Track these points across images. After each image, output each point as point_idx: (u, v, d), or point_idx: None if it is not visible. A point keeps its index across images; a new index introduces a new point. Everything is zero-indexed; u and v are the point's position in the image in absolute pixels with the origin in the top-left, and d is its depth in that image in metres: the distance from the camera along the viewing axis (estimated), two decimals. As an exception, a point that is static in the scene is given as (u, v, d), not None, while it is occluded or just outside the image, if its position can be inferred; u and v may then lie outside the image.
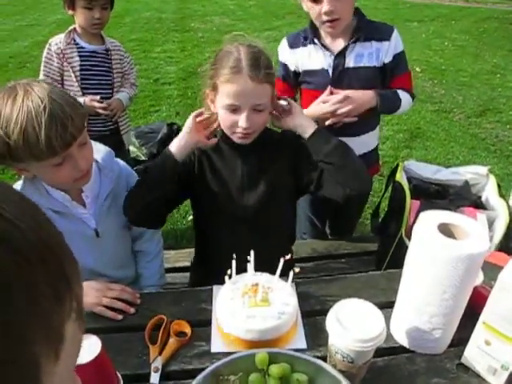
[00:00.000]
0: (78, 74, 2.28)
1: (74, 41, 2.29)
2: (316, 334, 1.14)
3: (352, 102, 1.62)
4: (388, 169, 3.18)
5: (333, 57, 1.71)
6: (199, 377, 0.89)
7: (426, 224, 1.06)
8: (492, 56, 7.29)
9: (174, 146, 1.32)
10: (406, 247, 1.66)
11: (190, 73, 5.94)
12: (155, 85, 5.57)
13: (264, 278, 1.20)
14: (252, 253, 1.18)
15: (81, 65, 2.28)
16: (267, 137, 1.42)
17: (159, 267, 1.58)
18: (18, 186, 1.24)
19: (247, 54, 1.25)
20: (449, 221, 1.06)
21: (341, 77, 1.71)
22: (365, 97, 1.67)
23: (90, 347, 0.86)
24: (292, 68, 1.80)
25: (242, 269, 1.19)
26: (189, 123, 1.34)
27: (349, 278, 1.37)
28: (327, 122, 1.67)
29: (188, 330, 1.12)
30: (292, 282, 1.19)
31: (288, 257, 1.17)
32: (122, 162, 1.46)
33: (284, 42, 1.81)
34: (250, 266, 1.19)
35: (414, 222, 1.64)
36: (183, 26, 8.59)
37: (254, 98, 1.26)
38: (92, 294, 1.19)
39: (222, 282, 1.18)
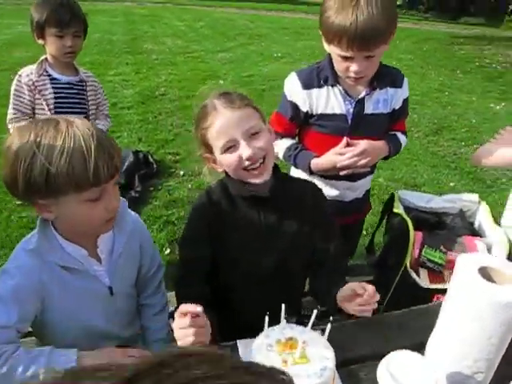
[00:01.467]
0: (51, 106, 2.14)
1: (47, 72, 2.15)
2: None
3: (369, 154, 1.59)
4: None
5: (354, 103, 1.62)
6: None
7: (467, 268, 1.05)
8: (437, 75, 7.71)
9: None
10: (412, 279, 1.69)
11: (147, 96, 5.81)
12: (114, 109, 5.38)
13: (296, 330, 1.14)
14: (283, 306, 1.12)
15: (55, 97, 2.14)
16: (284, 186, 1.36)
17: (167, 320, 1.48)
18: (33, 238, 1.13)
19: (218, 95, 1.27)
20: (488, 264, 1.05)
21: (358, 123, 1.63)
22: (378, 149, 1.66)
23: None
24: (304, 109, 1.65)
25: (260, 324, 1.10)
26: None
27: (370, 320, 1.33)
28: (342, 173, 1.62)
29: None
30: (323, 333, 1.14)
31: (319, 310, 1.12)
32: (133, 214, 1.36)
33: (295, 80, 1.64)
34: (282, 318, 1.13)
35: (419, 254, 1.66)
36: (135, 47, 8.44)
37: (242, 124, 1.23)
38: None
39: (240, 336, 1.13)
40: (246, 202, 1.34)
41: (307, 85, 1.62)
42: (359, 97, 1.62)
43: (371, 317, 1.33)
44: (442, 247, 1.64)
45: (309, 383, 1.01)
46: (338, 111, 1.63)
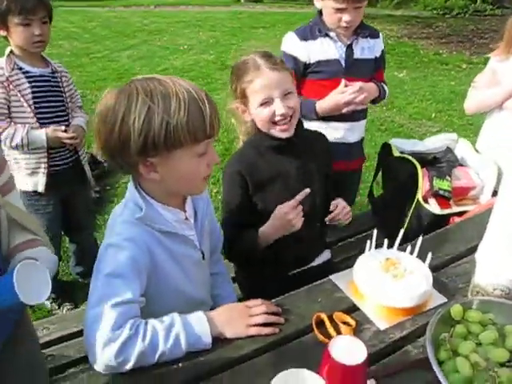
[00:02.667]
0: (31, 102, 1.99)
1: (17, 65, 2.00)
2: (442, 286, 1.25)
3: (366, 91, 1.85)
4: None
5: (344, 48, 1.91)
6: (428, 342, 0.93)
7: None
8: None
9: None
10: (426, 210, 1.89)
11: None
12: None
13: (387, 252, 1.26)
14: (375, 231, 1.24)
15: (33, 92, 1.99)
16: (304, 135, 1.53)
17: (233, 286, 1.52)
18: (129, 209, 1.10)
19: (259, 54, 1.43)
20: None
21: (351, 66, 1.91)
22: (371, 87, 1.93)
23: (357, 350, 0.84)
24: (303, 60, 1.91)
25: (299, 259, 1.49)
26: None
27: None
28: (345, 110, 1.85)
29: (348, 318, 1.13)
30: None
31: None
32: None
33: (293, 36, 1.93)
34: (372, 244, 1.25)
35: (430, 186, 1.87)
36: (31, 53, 7.83)
37: (280, 85, 1.39)
38: (238, 321, 1.10)
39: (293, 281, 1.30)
40: (275, 152, 1.49)
41: (304, 37, 1.91)
42: (348, 42, 1.92)
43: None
44: (447, 176, 1.86)
45: (422, 288, 1.14)
46: (332, 57, 1.91)
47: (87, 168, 2.32)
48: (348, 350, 0.84)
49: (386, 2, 15.52)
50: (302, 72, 1.93)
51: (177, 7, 14.59)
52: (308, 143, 1.54)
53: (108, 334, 0.95)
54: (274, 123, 1.42)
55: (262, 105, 1.39)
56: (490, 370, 0.91)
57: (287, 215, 1.36)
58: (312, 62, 1.91)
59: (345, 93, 1.81)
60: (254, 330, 1.09)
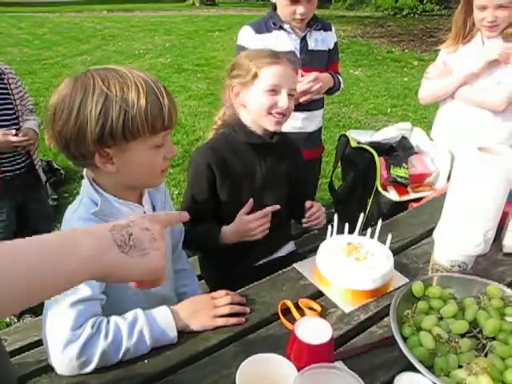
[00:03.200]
0: (-25, 106, 1.91)
1: (-41, 69, 1.91)
2: (404, 268, 1.28)
3: (321, 80, 1.91)
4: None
5: (299, 40, 1.97)
6: (392, 319, 0.95)
7: (467, 152, 1.29)
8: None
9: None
10: (385, 198, 1.94)
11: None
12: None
13: (348, 237, 1.28)
14: (335, 216, 1.25)
15: (-24, 94, 1.91)
16: (279, 142, 1.52)
17: (198, 283, 1.49)
18: (85, 205, 1.06)
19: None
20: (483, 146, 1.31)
21: (305, 58, 1.95)
22: (326, 77, 1.99)
23: (323, 330, 0.84)
24: None
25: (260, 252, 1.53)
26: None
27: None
28: (302, 99, 1.90)
29: (315, 304, 1.13)
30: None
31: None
32: None
33: (248, 29, 1.97)
34: (334, 230, 1.26)
35: (387, 174, 1.91)
36: (-22, 61, 7.51)
37: (292, 82, 1.42)
38: (203, 312, 1.08)
39: (257, 272, 1.29)
40: (249, 150, 1.48)
41: (259, 30, 1.96)
42: (302, 34, 1.97)
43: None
44: (404, 164, 1.91)
45: (385, 269, 1.16)
46: (287, 48, 1.92)
47: (41, 173, 2.24)
48: (313, 330, 0.84)
49: (338, 4, 15.88)
50: None
51: (131, 12, 14.39)
52: (282, 147, 1.53)
53: (68, 334, 0.92)
54: (269, 114, 1.41)
55: (268, 92, 1.38)
56: (452, 341, 0.93)
57: (249, 224, 1.37)
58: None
59: (301, 82, 1.84)
60: (219, 321, 1.07)
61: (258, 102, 1.40)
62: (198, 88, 6.25)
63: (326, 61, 2.05)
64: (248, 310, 1.13)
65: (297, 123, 2.01)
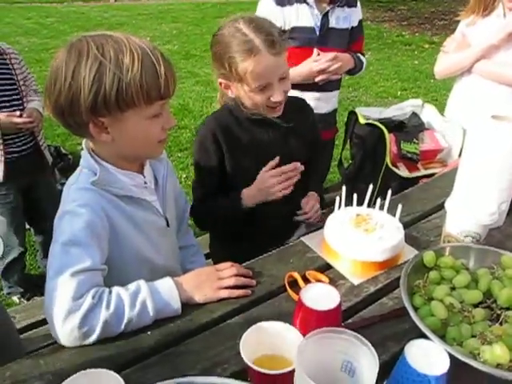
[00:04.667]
0: (-25, 86, 1.89)
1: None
2: (414, 241, 1.24)
3: (340, 60, 1.84)
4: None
5: (320, 16, 1.88)
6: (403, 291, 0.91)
7: (481, 120, 1.24)
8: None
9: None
10: (395, 174, 1.89)
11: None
12: None
13: (357, 209, 1.24)
14: (343, 187, 1.21)
15: (-20, 76, 1.89)
16: (288, 106, 1.45)
17: (204, 260, 1.47)
18: (85, 174, 1.04)
19: (254, 30, 1.26)
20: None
21: (325, 36, 1.89)
22: (346, 57, 1.91)
23: (330, 297, 0.81)
24: (278, 25, 1.78)
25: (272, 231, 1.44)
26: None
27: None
28: (318, 79, 1.85)
29: (322, 276, 1.10)
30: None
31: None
32: None
33: (268, 1, 1.87)
34: (342, 201, 1.23)
35: (398, 150, 1.86)
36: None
37: (279, 69, 1.31)
38: (207, 284, 1.06)
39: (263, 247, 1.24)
40: (255, 123, 1.42)
41: (279, 2, 1.86)
42: (324, 11, 1.87)
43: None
44: (414, 140, 1.86)
45: (394, 240, 1.13)
46: (307, 24, 1.87)
47: (47, 154, 2.23)
48: (320, 297, 0.81)
49: (347, -12, 15.58)
50: None
51: (137, 0, 14.30)
52: (290, 116, 1.45)
53: (69, 304, 0.90)
54: (268, 106, 1.36)
55: (258, 89, 1.30)
56: (465, 311, 0.90)
57: (270, 180, 1.33)
58: (287, 28, 1.87)
59: (319, 61, 1.79)
60: (224, 293, 1.05)
61: (251, 100, 1.34)
62: (206, 73, 6.19)
63: (346, 40, 1.97)
64: (254, 282, 1.10)
65: (311, 103, 1.91)
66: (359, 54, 2.03)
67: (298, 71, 1.83)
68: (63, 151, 3.73)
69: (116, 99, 0.94)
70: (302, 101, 1.60)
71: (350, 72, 2.00)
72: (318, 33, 1.87)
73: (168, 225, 1.22)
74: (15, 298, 2.34)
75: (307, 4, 1.86)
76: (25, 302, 2.31)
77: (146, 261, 1.15)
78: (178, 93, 5.38)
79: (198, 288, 1.04)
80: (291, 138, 1.48)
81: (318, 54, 1.82)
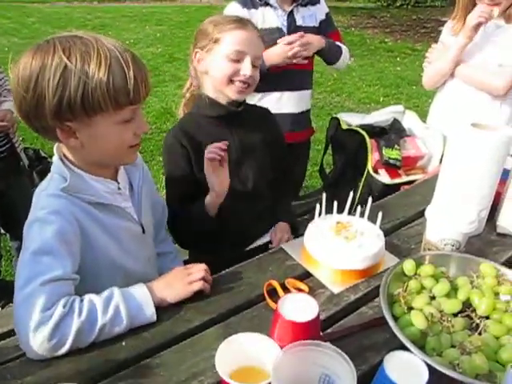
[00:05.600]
0: None
1: None
2: (395, 248, 1.24)
3: (308, 37, 1.85)
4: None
5: (285, 16, 1.90)
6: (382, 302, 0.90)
7: (460, 129, 1.24)
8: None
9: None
10: (377, 180, 1.89)
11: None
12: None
13: (337, 216, 1.23)
14: (324, 194, 1.20)
15: None
16: (247, 110, 1.46)
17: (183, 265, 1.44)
18: (55, 180, 1.00)
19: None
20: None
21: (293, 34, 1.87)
22: (315, 37, 1.91)
23: (308, 308, 0.79)
24: None
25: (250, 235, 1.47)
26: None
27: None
28: (290, 53, 1.83)
29: (302, 285, 1.08)
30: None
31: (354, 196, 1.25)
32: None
33: (235, 4, 1.91)
34: (323, 208, 1.21)
35: (380, 156, 1.86)
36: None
37: (257, 49, 1.36)
38: (177, 282, 1.05)
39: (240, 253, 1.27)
40: (215, 123, 1.42)
41: (246, 4, 1.90)
42: (288, 10, 1.92)
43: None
44: (396, 145, 1.87)
45: (375, 248, 1.12)
46: (274, 25, 1.91)
47: (23, 157, 2.17)
48: (299, 307, 0.79)
49: (331, -5, 15.77)
50: None
51: (122, 3, 14.21)
52: (251, 117, 1.48)
53: (39, 314, 0.86)
54: (231, 82, 1.34)
55: (230, 59, 1.31)
56: (444, 321, 0.89)
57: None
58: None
59: (292, 44, 1.80)
60: (197, 285, 1.04)
61: (219, 69, 1.34)
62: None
63: None
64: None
65: (283, 104, 1.97)
66: (337, 42, 2.03)
67: (273, 53, 1.83)
68: (42, 154, 3.63)
69: (82, 104, 0.90)
70: (265, 109, 1.61)
71: (325, 56, 2.00)
72: (286, 32, 1.90)
73: (144, 231, 1.18)
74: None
75: (271, 6, 1.90)
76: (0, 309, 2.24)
77: (120, 268, 1.11)
78: (161, 96, 5.34)
79: (168, 287, 1.03)
80: (253, 137, 1.48)
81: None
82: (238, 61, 1.32)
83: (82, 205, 1.01)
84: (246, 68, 1.32)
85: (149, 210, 1.24)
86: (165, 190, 1.47)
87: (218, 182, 1.29)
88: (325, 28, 2.02)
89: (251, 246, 1.55)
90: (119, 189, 1.11)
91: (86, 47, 0.91)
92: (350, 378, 0.62)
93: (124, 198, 1.13)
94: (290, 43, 1.81)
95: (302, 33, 1.83)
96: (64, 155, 1.03)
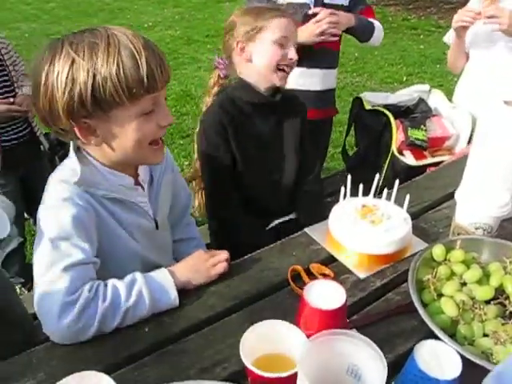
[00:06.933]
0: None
1: None
2: (423, 232, 1.20)
3: (338, 15, 1.81)
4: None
5: None
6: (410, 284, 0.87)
7: (492, 106, 1.18)
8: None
9: None
10: (401, 162, 1.84)
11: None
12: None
13: (362, 199, 1.19)
14: (349, 176, 1.16)
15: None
16: (284, 97, 1.48)
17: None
18: (69, 171, 0.97)
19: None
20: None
21: None
22: (344, 15, 1.86)
23: (335, 295, 0.77)
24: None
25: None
26: None
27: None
28: (317, 31, 1.80)
29: (327, 270, 1.06)
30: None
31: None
32: None
33: None
34: (347, 190, 1.18)
35: (405, 137, 1.81)
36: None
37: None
38: (200, 265, 1.04)
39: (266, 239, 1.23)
40: (254, 108, 1.44)
41: None
42: None
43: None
44: (422, 126, 1.80)
45: (401, 233, 1.08)
46: (301, 0, 1.84)
47: (44, 141, 2.17)
48: (325, 294, 0.77)
49: (352, -29, 15.30)
50: None
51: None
52: (286, 105, 1.50)
53: (64, 299, 0.86)
54: (277, 69, 1.39)
55: (278, 44, 1.36)
56: (476, 308, 0.86)
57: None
58: (281, 2, 1.83)
59: (319, 22, 1.78)
60: (220, 267, 1.04)
61: (267, 55, 1.37)
62: (208, 59, 6.09)
63: None
64: None
65: (308, 81, 1.93)
66: (369, 18, 1.97)
67: (307, 32, 1.81)
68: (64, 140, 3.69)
69: (93, 98, 0.87)
70: (297, 98, 1.60)
71: (357, 34, 1.95)
72: (312, 8, 1.85)
73: (157, 227, 1.16)
74: (16, 289, 2.31)
75: None
76: (26, 292, 2.29)
77: (137, 256, 1.10)
78: (181, 79, 5.30)
79: (192, 271, 1.02)
80: (285, 127, 1.52)
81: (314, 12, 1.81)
82: (283, 46, 1.37)
83: (98, 198, 0.99)
84: (292, 53, 1.38)
85: (167, 202, 1.22)
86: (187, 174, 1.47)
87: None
88: (355, 5, 1.95)
89: (277, 222, 1.55)
90: (137, 183, 1.09)
91: (94, 38, 0.88)
92: (381, 370, 0.60)
93: (140, 194, 1.10)
94: (318, 21, 1.79)
95: (330, 10, 1.80)
96: (84, 149, 1.01)
